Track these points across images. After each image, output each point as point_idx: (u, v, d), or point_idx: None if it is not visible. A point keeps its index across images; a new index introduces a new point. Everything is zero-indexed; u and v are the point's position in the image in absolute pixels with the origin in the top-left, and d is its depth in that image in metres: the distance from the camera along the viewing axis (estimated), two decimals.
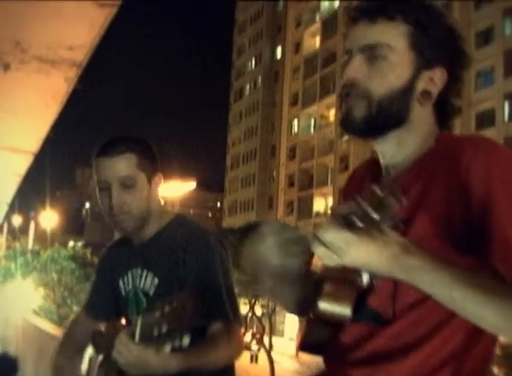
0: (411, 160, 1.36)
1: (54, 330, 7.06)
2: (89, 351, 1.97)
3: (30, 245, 32.55)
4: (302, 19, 63.91)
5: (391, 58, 1.34)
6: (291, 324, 42.38)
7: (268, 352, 27.91)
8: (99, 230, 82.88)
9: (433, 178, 1.28)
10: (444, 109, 1.40)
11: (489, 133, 38.09)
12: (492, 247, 1.17)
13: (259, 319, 30.71)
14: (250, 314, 29.95)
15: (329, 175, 55.15)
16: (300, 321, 1.57)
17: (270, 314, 30.09)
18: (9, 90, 4.43)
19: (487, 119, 41.43)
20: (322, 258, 1.14)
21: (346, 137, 1.42)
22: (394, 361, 1.26)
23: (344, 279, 1.26)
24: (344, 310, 1.25)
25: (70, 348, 2.24)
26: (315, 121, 59.21)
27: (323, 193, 55.53)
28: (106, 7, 3.03)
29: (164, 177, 2.16)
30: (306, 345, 1.38)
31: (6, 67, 3.83)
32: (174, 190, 36.47)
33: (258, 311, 32.19)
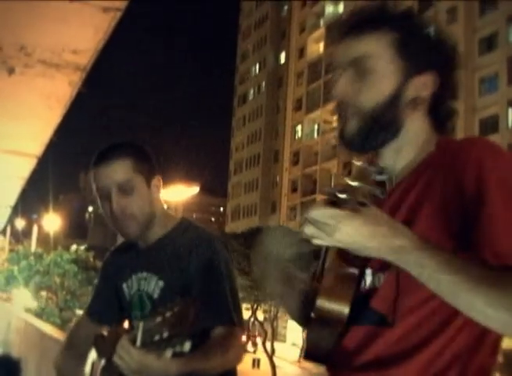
0: (411, 166, 1.36)
1: (56, 334, 7.06)
2: (92, 355, 1.97)
3: (33, 248, 32.63)
4: (306, 25, 63.98)
5: (378, 69, 1.34)
6: (293, 330, 42.31)
7: (270, 357, 27.93)
8: (101, 234, 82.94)
9: (432, 181, 1.28)
10: (440, 113, 1.39)
11: (493, 139, 37.94)
12: (483, 242, 1.16)
13: (261, 324, 30.73)
14: (252, 319, 29.97)
15: (333, 181, 55.11)
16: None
17: (272, 319, 30.04)
18: (13, 94, 4.45)
19: (491, 125, 41.40)
20: (312, 238, 1.14)
21: None
22: (399, 364, 1.25)
23: (342, 275, 1.26)
24: (341, 307, 1.24)
25: (72, 352, 2.25)
26: (318, 126, 59.20)
27: None
28: (111, 12, 3.04)
29: (167, 181, 2.18)
30: (309, 353, 1.37)
31: (11, 71, 3.84)
32: (178, 195, 36.48)
33: (260, 316, 32.18)
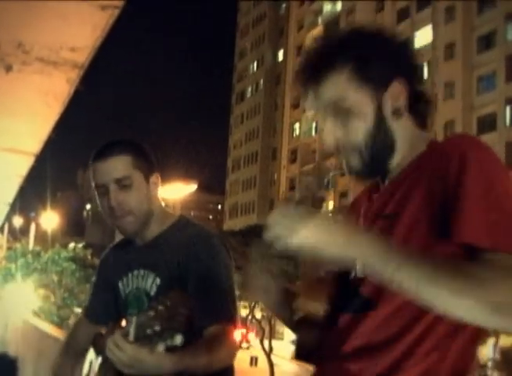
0: (403, 164, 1.40)
1: (54, 332, 7.04)
2: (90, 354, 1.98)
3: (30, 246, 32.57)
4: (304, 23, 63.99)
5: (351, 105, 1.37)
6: None
7: (268, 355, 27.90)
8: (99, 232, 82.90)
9: (420, 177, 1.32)
10: (418, 109, 1.43)
11: (491, 137, 38.10)
12: (457, 221, 1.20)
13: (259, 322, 30.71)
14: (250, 317, 29.98)
15: (330, 179, 55.15)
16: None
17: (270, 317, 30.03)
18: (10, 91, 4.44)
19: (488, 123, 41.45)
20: (273, 242, 1.19)
21: None
22: (383, 350, 1.28)
23: (317, 278, 1.33)
24: (316, 307, 1.31)
25: (71, 351, 2.25)
26: (316, 124, 59.21)
27: None
28: (108, 9, 3.04)
29: (165, 179, 2.17)
30: (298, 353, 1.41)
31: (8, 69, 3.83)
32: (175, 192, 36.46)
33: (258, 314, 32.18)
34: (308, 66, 1.41)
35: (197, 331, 1.88)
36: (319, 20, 61.31)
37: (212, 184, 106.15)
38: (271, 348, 28.19)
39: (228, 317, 1.97)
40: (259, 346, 28.84)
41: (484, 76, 42.91)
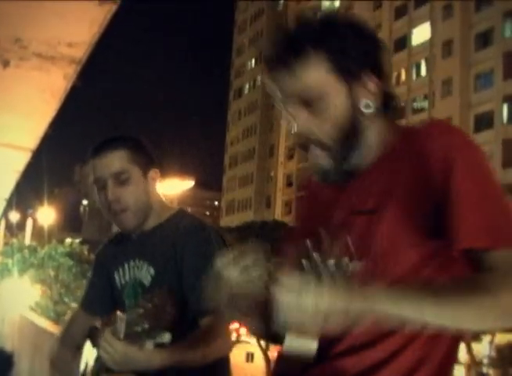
0: (374, 158, 1.38)
1: (50, 327, 7.05)
2: (87, 347, 1.99)
3: (27, 242, 32.53)
4: None
5: (322, 95, 1.33)
6: None
7: (265, 352, 28.00)
8: (96, 227, 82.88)
9: (399, 168, 1.31)
10: (387, 100, 1.40)
11: (488, 135, 38.17)
12: (455, 227, 1.21)
13: None
14: None
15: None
16: None
17: None
18: (8, 87, 4.43)
19: (486, 121, 41.50)
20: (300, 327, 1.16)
21: None
22: (376, 346, 1.28)
23: None
24: (308, 343, 1.28)
25: (68, 344, 2.26)
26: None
27: None
28: (106, 4, 3.04)
29: (161, 175, 2.18)
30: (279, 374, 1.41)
31: (6, 64, 3.83)
32: (172, 188, 36.50)
33: None
34: (279, 53, 1.36)
35: (193, 322, 1.89)
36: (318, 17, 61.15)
37: (209, 180, 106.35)
38: (267, 345, 28.22)
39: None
40: (255, 342, 28.90)
41: (481, 73, 42.96)
